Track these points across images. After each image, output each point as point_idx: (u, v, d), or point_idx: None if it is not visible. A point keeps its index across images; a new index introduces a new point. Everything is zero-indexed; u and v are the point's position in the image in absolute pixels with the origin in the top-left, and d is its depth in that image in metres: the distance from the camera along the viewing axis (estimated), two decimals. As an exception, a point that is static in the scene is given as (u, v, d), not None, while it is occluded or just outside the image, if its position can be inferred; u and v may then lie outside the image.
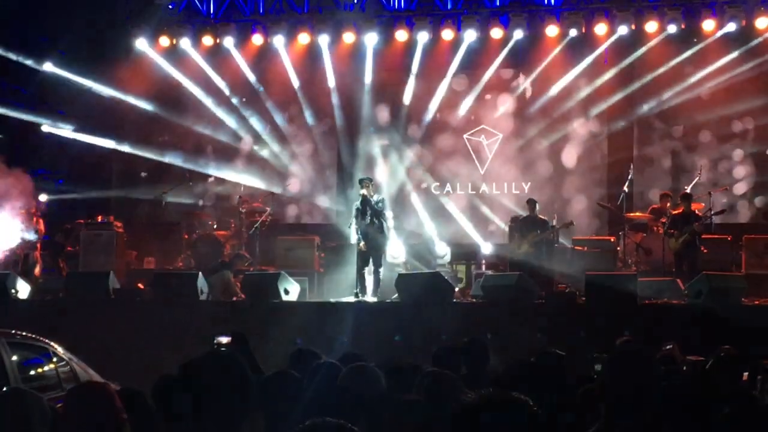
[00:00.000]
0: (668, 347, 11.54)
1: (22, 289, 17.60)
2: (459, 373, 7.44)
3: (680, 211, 18.52)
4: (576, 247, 19.83)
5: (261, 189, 22.97)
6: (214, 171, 23.86)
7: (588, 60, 22.66)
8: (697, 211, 18.59)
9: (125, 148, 23.51)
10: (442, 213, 23.41)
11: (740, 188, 22.23)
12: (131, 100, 23.59)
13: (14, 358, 9.92)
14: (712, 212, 19.05)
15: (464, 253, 21.09)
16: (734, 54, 21.75)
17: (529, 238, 19.08)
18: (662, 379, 5.31)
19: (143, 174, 24.05)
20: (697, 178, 20.41)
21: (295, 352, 7.46)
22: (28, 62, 22.97)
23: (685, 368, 9.83)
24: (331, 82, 23.72)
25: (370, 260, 17.78)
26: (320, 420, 3.09)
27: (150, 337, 15.57)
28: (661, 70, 22.23)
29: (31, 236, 20.00)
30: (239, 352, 7.03)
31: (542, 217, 19.51)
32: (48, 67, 23.20)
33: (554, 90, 22.98)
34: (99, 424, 4.85)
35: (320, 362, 6.38)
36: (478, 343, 8.98)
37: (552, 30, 22.36)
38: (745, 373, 9.09)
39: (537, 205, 19.56)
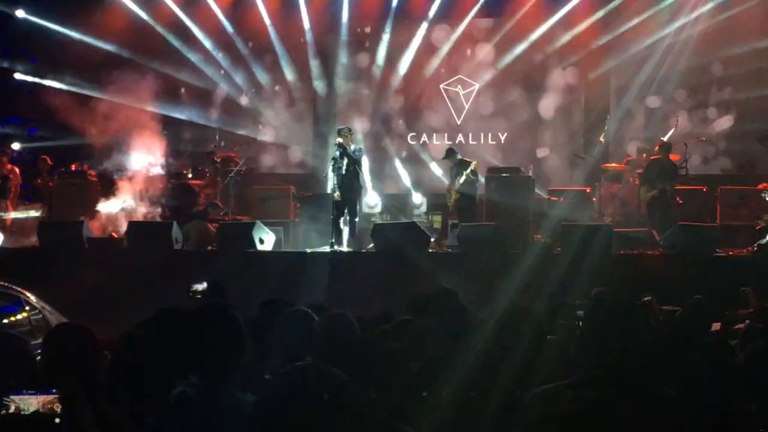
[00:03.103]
0: (646, 299, 11.63)
1: (-5, 238, 17.54)
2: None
3: (657, 159, 18.51)
4: (552, 198, 19.84)
5: (236, 137, 22.88)
6: (189, 118, 23.61)
7: (565, 9, 22.57)
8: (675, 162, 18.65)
9: (98, 95, 23.20)
10: (419, 163, 23.36)
11: (716, 139, 22.23)
12: (105, 45, 23.24)
13: (-14, 305, 9.86)
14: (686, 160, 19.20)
15: (440, 204, 21.07)
16: (711, 3, 21.74)
17: (454, 185, 19.21)
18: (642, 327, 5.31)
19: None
20: (674, 128, 20.41)
21: (265, 300, 7.42)
22: (0, 8, 22.65)
23: (661, 318, 9.90)
24: (307, 30, 23.51)
25: (346, 210, 17.72)
26: (301, 364, 3.06)
27: (124, 287, 15.49)
28: (638, 19, 22.16)
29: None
30: (216, 300, 7.02)
31: (465, 160, 19.45)
32: (20, 13, 22.88)
33: (531, 39, 22.84)
34: (78, 361, 4.89)
35: (292, 309, 6.35)
36: (449, 293, 8.97)
37: (528, -22, 22.29)
38: (716, 323, 9.17)
39: (454, 153, 19.56)
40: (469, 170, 18.91)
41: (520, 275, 15.14)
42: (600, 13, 22.45)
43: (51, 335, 5.36)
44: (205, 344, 4.26)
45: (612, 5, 22.34)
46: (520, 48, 22.92)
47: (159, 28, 23.45)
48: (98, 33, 22.95)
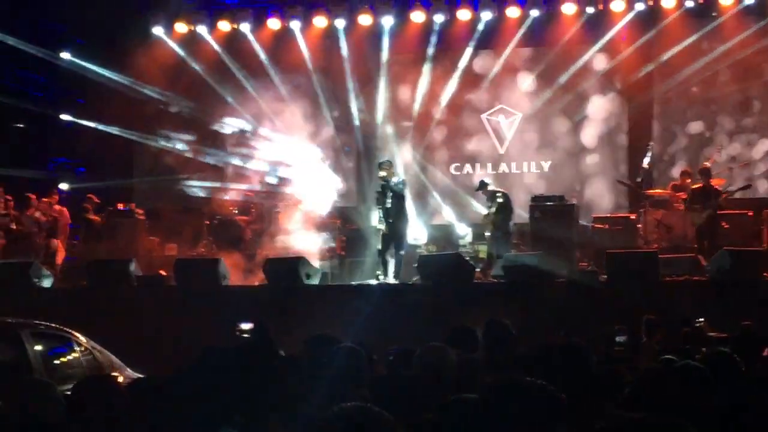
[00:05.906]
0: (700, 321, 11.57)
1: (45, 278, 17.67)
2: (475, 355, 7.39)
3: (700, 186, 18.48)
4: (596, 225, 19.79)
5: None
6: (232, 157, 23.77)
7: (606, 37, 22.56)
8: (717, 186, 18.54)
9: (142, 138, 23.51)
10: (463, 193, 23.35)
11: (760, 164, 22.07)
12: (148, 88, 23.53)
13: (38, 348, 9.94)
14: (736, 188, 19.00)
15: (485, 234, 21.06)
16: (753, 28, 21.64)
17: (486, 218, 19.19)
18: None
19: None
20: (717, 153, 20.30)
21: (312, 336, 7.44)
22: (46, 52, 22.99)
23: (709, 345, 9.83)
24: (348, 65, 23.65)
25: (392, 242, 17.77)
26: (351, 405, 3.07)
27: (173, 325, 15.60)
28: (680, 45, 22.08)
29: None
30: (260, 340, 7.07)
31: (497, 191, 19.37)
32: (66, 56, 23.23)
33: (573, 68, 22.83)
34: (104, 417, 4.94)
35: (339, 346, 6.33)
36: (498, 324, 8.89)
37: (569, 7, 22.24)
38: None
39: (485, 184, 19.49)
40: (497, 200, 18.95)
41: (567, 304, 15.13)
42: (641, 40, 22.40)
43: (74, 394, 5.41)
44: (247, 384, 4.30)
45: (653, 31, 22.28)
46: (562, 76, 22.91)
47: (201, 70, 23.73)
48: (142, 75, 23.27)
